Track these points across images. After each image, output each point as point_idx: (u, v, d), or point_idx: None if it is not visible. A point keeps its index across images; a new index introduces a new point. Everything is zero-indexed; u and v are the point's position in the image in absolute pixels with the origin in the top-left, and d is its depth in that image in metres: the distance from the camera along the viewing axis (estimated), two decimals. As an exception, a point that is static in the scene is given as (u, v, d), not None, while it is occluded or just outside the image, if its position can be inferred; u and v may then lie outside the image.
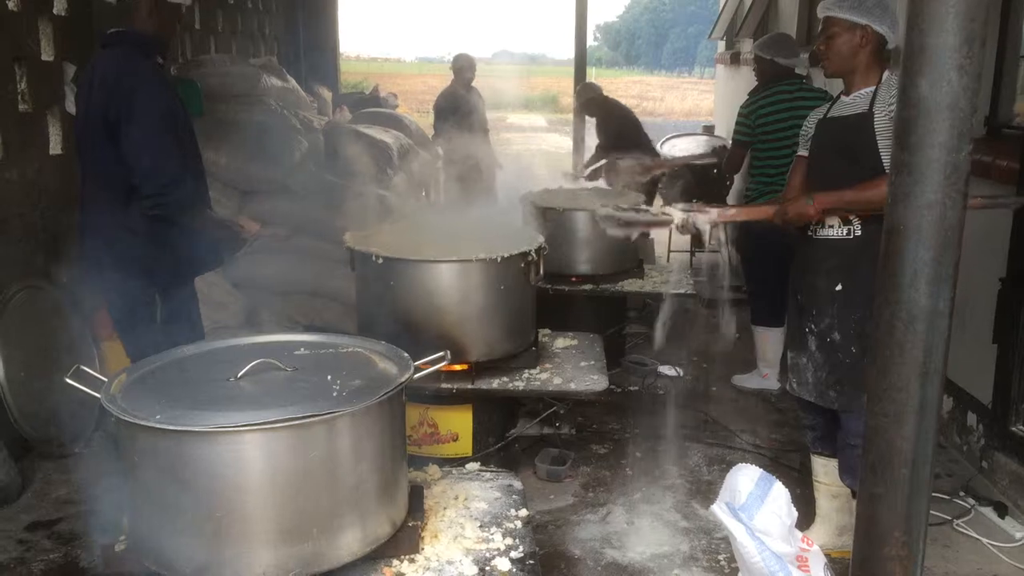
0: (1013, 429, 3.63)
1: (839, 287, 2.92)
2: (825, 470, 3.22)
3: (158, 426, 1.84)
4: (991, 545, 3.35)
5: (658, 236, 7.59)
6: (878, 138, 2.81)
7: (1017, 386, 3.60)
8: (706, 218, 2.97)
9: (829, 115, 3.03)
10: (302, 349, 2.32)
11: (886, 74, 2.89)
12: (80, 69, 4.46)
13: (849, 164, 2.88)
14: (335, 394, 1.98)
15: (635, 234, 3.05)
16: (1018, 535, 3.41)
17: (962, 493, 3.70)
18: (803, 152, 3.15)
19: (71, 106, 4.45)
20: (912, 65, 1.28)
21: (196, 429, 1.83)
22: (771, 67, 4.80)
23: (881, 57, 2.90)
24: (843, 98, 3.00)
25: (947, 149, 1.28)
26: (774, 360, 4.96)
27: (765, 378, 5.02)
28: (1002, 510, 3.56)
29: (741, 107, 4.84)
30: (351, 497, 1.98)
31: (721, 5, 10.77)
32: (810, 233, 3.02)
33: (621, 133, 7.06)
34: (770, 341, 4.96)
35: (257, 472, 1.87)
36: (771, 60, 4.79)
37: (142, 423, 1.85)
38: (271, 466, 1.87)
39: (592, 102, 7.32)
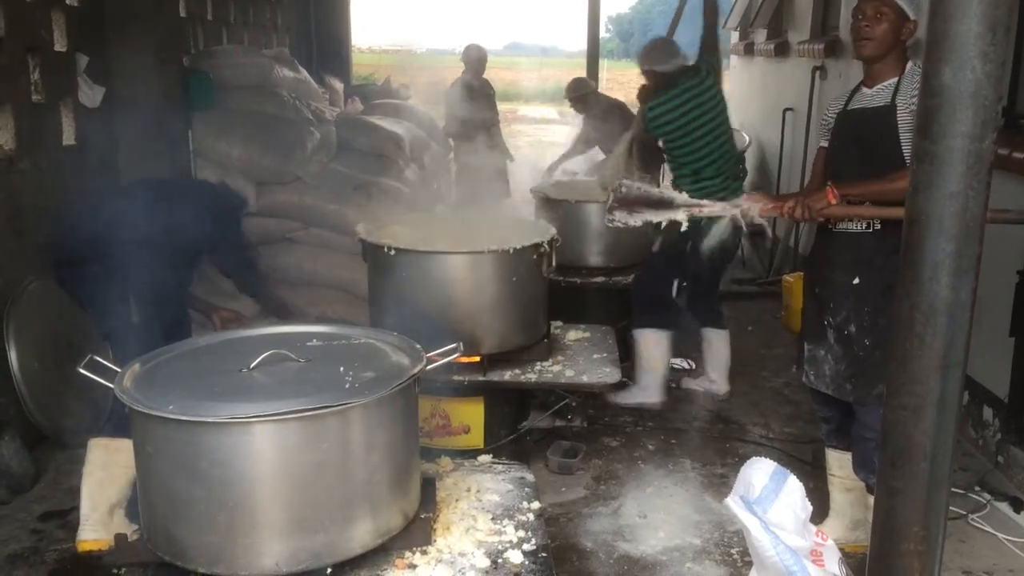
0: (1030, 423, 3.60)
1: (856, 280, 2.89)
2: (839, 463, 3.20)
3: (171, 416, 1.84)
4: (1007, 540, 3.32)
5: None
6: (900, 131, 2.76)
7: (1034, 380, 3.57)
8: (760, 208, 2.95)
9: (849, 107, 2.97)
10: (314, 340, 2.32)
11: (909, 65, 2.83)
12: (93, 60, 4.46)
13: (869, 157, 2.84)
14: (347, 385, 1.98)
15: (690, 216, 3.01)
16: (1034, 530, 3.38)
17: (977, 488, 3.67)
18: (824, 143, 3.11)
19: (85, 98, 4.45)
20: (935, 52, 1.25)
21: (209, 419, 1.83)
22: (652, 76, 4.56)
23: (906, 50, 2.85)
24: (864, 89, 2.94)
25: (970, 138, 1.26)
26: (660, 369, 4.48)
27: (645, 390, 4.49)
28: (1018, 505, 3.52)
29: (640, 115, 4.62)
30: (363, 488, 1.97)
31: (735, -5, 10.69)
32: (829, 226, 2.99)
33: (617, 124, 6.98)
34: (656, 346, 4.45)
35: (269, 463, 1.87)
36: (650, 71, 4.54)
37: (155, 413, 1.85)
38: (283, 457, 1.87)
39: (580, 99, 7.23)
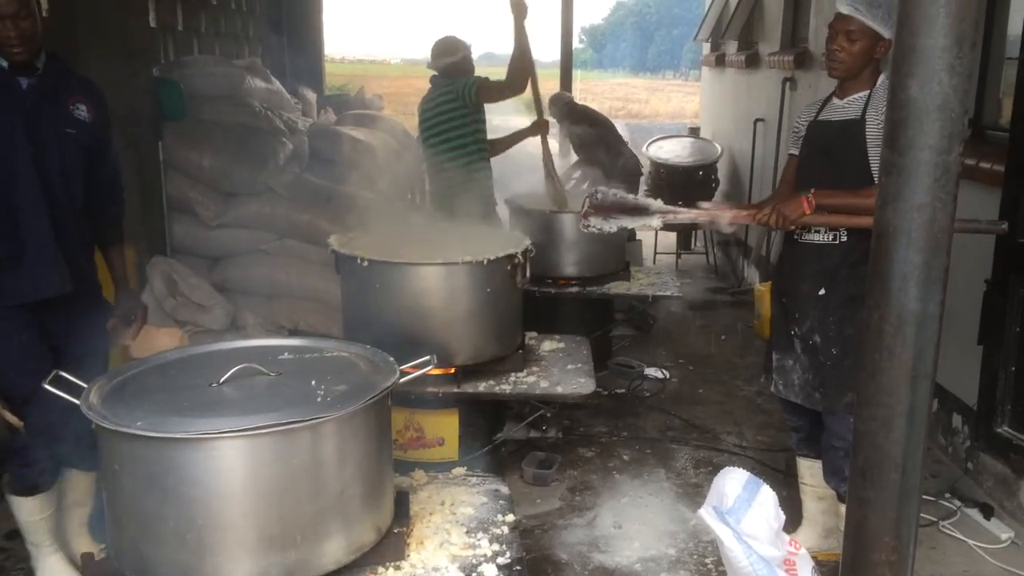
0: (998, 430, 3.64)
1: (822, 291, 2.91)
2: (811, 472, 3.22)
3: (139, 433, 1.81)
4: (977, 547, 3.36)
5: (645, 238, 7.61)
6: (868, 146, 2.77)
7: (1002, 388, 3.61)
8: (732, 216, 2.95)
9: (820, 117, 2.98)
10: (286, 353, 2.30)
11: (881, 78, 2.83)
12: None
13: (837, 169, 2.85)
14: (319, 399, 1.96)
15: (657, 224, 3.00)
16: (1004, 536, 3.41)
17: (948, 495, 3.71)
18: (794, 151, 3.12)
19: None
20: (902, 66, 1.26)
21: (177, 436, 1.80)
22: None
23: (880, 63, 2.87)
24: (835, 100, 2.95)
25: (937, 151, 1.27)
26: None
27: None
28: (988, 511, 3.56)
29: None
30: (335, 504, 1.95)
31: (706, 7, 10.79)
32: (796, 237, 3.01)
33: (597, 135, 7.07)
34: None
35: (240, 479, 1.84)
36: None
37: (123, 430, 1.82)
38: (254, 473, 1.85)
39: (563, 109, 7.30)
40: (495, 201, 4.99)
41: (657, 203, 2.98)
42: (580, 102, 7.84)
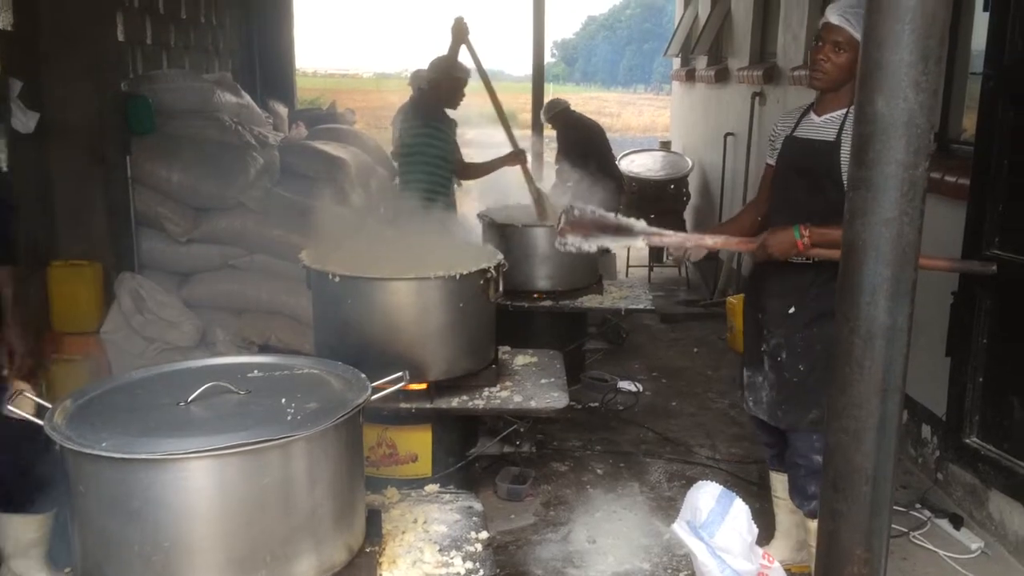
0: (967, 441, 3.68)
1: (792, 310, 2.89)
2: (784, 486, 3.22)
3: (104, 454, 1.77)
4: (947, 557, 3.39)
5: (619, 252, 7.64)
6: (843, 169, 2.73)
7: (971, 398, 3.65)
8: (723, 241, 2.88)
9: (796, 133, 2.95)
10: (256, 371, 2.26)
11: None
12: (27, 85, 4.35)
13: (811, 189, 2.84)
14: (289, 418, 1.93)
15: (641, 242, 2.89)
16: (973, 546, 3.44)
17: (918, 505, 3.74)
18: (770, 160, 3.10)
19: (18, 123, 4.33)
20: (869, 82, 1.28)
21: (144, 456, 1.76)
22: None
23: None
24: (813, 116, 2.92)
25: (904, 166, 1.29)
26: None
27: None
28: (957, 522, 3.59)
29: None
30: (306, 524, 1.92)
31: (676, 23, 10.90)
32: None
33: (588, 144, 7.19)
34: None
35: (208, 500, 1.81)
36: None
37: (87, 451, 1.78)
38: (222, 493, 1.82)
39: (558, 116, 7.45)
40: (454, 210, 5.04)
41: (641, 224, 2.80)
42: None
